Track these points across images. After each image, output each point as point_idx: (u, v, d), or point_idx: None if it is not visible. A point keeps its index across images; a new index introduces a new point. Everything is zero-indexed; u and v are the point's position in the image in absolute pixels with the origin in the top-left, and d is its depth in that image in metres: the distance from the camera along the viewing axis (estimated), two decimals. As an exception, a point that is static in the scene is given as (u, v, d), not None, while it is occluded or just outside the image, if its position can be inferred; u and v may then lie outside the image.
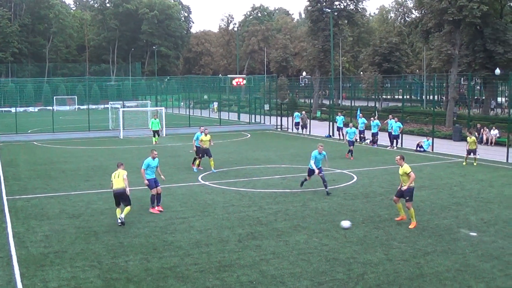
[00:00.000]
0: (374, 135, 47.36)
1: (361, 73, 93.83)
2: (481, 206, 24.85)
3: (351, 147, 39.76)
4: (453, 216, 22.99)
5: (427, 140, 46.12)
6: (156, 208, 23.16)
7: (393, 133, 45.59)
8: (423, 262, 17.14)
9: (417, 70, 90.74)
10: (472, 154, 36.50)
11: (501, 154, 40.68)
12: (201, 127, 33.84)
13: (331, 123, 57.06)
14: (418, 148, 44.53)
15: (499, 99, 78.33)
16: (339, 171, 33.31)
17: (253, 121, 68.33)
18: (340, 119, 53.44)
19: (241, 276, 15.63)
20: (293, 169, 33.97)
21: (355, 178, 31.18)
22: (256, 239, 19.27)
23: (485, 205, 24.96)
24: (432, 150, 44.54)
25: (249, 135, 54.78)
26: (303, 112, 61.89)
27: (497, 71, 62.29)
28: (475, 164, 36.65)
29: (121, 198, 20.86)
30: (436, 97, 73.89)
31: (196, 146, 32.78)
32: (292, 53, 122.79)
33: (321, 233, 20.01)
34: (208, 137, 32.82)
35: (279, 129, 62.70)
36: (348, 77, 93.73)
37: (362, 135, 49.48)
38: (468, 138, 36.89)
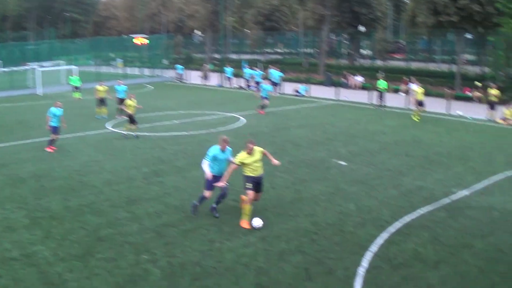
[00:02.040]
0: (258, 83, 47.79)
1: (247, 30, 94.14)
2: (349, 140, 25.64)
3: (264, 101, 34.55)
4: (326, 149, 23.60)
5: (304, 86, 46.93)
6: (51, 147, 23.49)
7: (274, 81, 45.96)
8: (301, 188, 17.60)
9: (295, 28, 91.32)
10: (420, 105, 33.46)
11: (365, 97, 41.80)
12: (100, 82, 35.16)
13: (222, 74, 56.75)
14: (296, 93, 45.25)
15: (363, 51, 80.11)
16: (230, 114, 33.43)
17: (154, 74, 67.29)
18: (229, 70, 53.73)
19: (148, 208, 15.58)
20: (190, 114, 33.83)
21: (243, 120, 31.38)
22: (159, 176, 19.18)
23: (353, 139, 25.77)
24: (308, 95, 45.24)
25: (152, 87, 53.89)
26: (204, 64, 61.37)
27: (361, 28, 63.66)
28: (418, 118, 32.61)
29: None
30: (310, 50, 74.72)
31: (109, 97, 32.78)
32: (187, 14, 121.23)
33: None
34: (105, 88, 33.18)
35: (178, 81, 61.81)
36: (236, 35, 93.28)
37: (248, 84, 49.94)
38: (417, 89, 34.39)
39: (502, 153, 23.61)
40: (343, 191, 17.45)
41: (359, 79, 52.20)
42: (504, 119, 32.92)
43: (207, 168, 14.49)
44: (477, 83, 45.82)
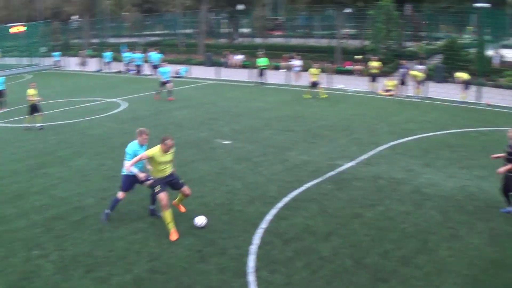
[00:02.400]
0: (139, 66, 46.76)
1: (125, 13, 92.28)
2: (232, 118, 25.36)
3: (162, 87, 31.90)
4: (209, 129, 23.22)
5: (184, 67, 46.26)
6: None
7: (154, 63, 45.01)
8: (188, 169, 17.09)
9: (173, 8, 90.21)
10: (314, 86, 32.66)
11: (245, 75, 41.71)
12: None
13: (100, 59, 54.91)
14: (176, 75, 44.45)
15: (243, 29, 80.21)
16: (110, 100, 32.28)
17: (32, 63, 64.24)
18: (108, 55, 52.17)
19: (34, 202, 14.70)
20: (70, 102, 32.38)
21: (124, 104, 30.38)
22: (43, 168, 18.10)
23: (235, 118, 25.50)
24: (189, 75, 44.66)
25: (31, 76, 51.27)
26: (82, 50, 59.31)
27: (240, 6, 63.54)
28: (322, 96, 31.81)
29: None
30: (190, 30, 73.92)
31: None
32: (63, 0, 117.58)
33: (99, 155, 19.29)
34: None
35: (57, 68, 59.29)
36: (114, 18, 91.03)
37: (128, 68, 48.71)
38: (312, 69, 33.13)
39: (385, 123, 24.10)
40: (229, 170, 17.12)
41: (239, 57, 52.13)
42: (386, 90, 33.76)
43: (134, 169, 12.46)
44: (357, 56, 46.88)
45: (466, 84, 30.47)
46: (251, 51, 48.65)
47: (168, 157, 12.22)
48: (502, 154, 13.44)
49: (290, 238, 11.87)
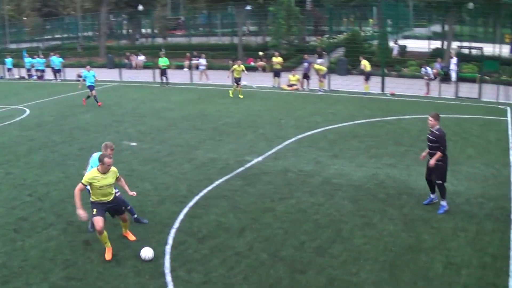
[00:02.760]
0: (41, 71, 45.23)
1: (24, 18, 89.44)
2: (137, 120, 24.92)
3: (92, 92, 29.68)
4: (115, 131, 22.73)
5: (86, 71, 45.17)
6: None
7: (55, 68, 43.72)
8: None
9: (73, 11, 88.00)
10: (237, 83, 31.81)
11: (148, 76, 41.19)
12: None
13: (2, 65, 52.65)
14: (79, 78, 43.22)
15: (144, 30, 79.22)
16: (13, 107, 31.00)
17: None
18: (9, 61, 50.13)
19: None
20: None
21: (28, 111, 29.25)
22: None
23: (141, 119, 25.08)
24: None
25: None
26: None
27: (140, 7, 62.58)
28: (240, 96, 31.31)
29: None
30: (90, 33, 72.44)
31: None
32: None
33: (6, 164, 18.38)
34: None
35: None
36: (14, 23, 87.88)
37: (29, 73, 47.01)
38: (235, 67, 32.15)
39: (291, 117, 24.37)
40: (138, 171, 16.78)
41: (141, 58, 51.48)
42: (290, 85, 34.16)
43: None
44: (260, 53, 47.18)
45: (367, 75, 31.28)
46: (153, 52, 48.04)
47: (109, 179, 10.92)
48: (425, 152, 13.46)
49: (204, 236, 11.76)
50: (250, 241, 11.47)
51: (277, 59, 35.67)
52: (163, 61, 36.70)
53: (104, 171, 10.85)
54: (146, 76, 41.96)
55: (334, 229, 12.08)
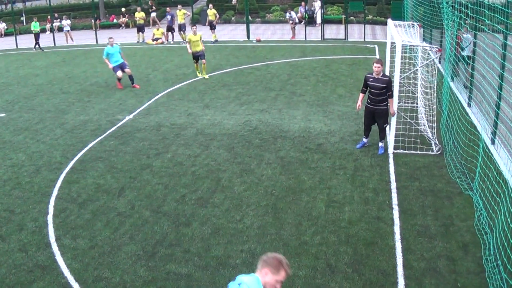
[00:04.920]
0: None
1: None
2: (2, 89, 23.45)
3: None
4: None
5: None
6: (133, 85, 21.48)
7: None
8: None
9: None
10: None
11: (11, 43, 39.00)
12: None
13: None
14: None
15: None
16: None
17: None
18: None
19: None
20: None
21: None
22: None
23: (6, 88, 23.63)
24: None
25: None
26: None
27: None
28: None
29: None
30: None
31: None
32: None
33: None
34: None
35: None
36: None
37: None
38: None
39: (158, 72, 24.10)
40: (10, 143, 15.81)
41: (1, 26, 48.50)
42: (155, 39, 33.57)
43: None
44: (123, 9, 45.93)
45: (211, 24, 31.56)
46: (13, 18, 45.37)
47: None
48: (360, 100, 13.08)
49: (84, 201, 11.39)
50: (131, 200, 11.27)
51: (139, 14, 34.81)
52: (34, 26, 34.93)
53: None
54: (8, 44, 39.63)
55: (213, 179, 12.11)
